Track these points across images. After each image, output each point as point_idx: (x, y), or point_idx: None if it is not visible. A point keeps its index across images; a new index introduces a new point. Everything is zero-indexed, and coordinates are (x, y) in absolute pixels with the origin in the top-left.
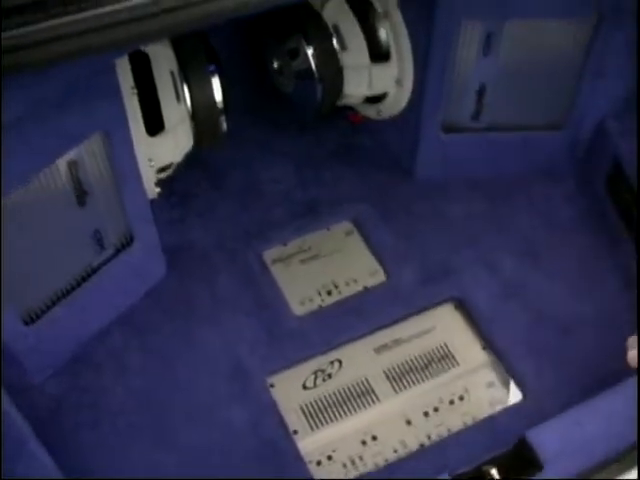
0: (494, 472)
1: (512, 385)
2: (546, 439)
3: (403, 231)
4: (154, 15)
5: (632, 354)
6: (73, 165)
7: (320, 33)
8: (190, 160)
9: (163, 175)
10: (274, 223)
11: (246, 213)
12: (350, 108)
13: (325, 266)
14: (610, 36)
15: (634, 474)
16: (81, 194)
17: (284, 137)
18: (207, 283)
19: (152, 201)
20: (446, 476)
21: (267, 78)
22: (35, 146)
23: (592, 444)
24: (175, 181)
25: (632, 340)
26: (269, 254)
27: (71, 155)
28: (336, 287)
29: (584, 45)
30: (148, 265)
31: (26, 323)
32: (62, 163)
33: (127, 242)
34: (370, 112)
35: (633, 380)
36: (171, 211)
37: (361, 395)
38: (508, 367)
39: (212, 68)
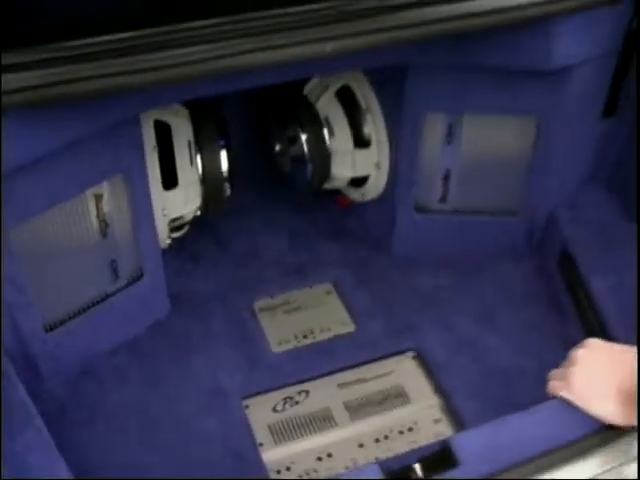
0: (417, 467)
1: (456, 422)
2: (465, 443)
3: (375, 294)
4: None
5: (552, 384)
6: (99, 198)
7: (313, 123)
8: (201, 227)
9: (176, 235)
10: (265, 280)
11: (243, 271)
12: (339, 193)
13: (304, 316)
14: (552, 133)
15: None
16: (103, 225)
17: (283, 213)
18: (202, 322)
19: (166, 256)
20: (375, 467)
21: (271, 159)
22: (69, 174)
23: (505, 452)
24: (187, 242)
25: (553, 373)
26: (258, 304)
27: (98, 189)
28: (311, 333)
29: (531, 140)
30: (154, 300)
31: (46, 330)
32: (90, 194)
33: (138, 276)
34: (355, 195)
35: (543, 406)
36: (181, 265)
37: (322, 420)
38: (454, 408)
39: (222, 143)
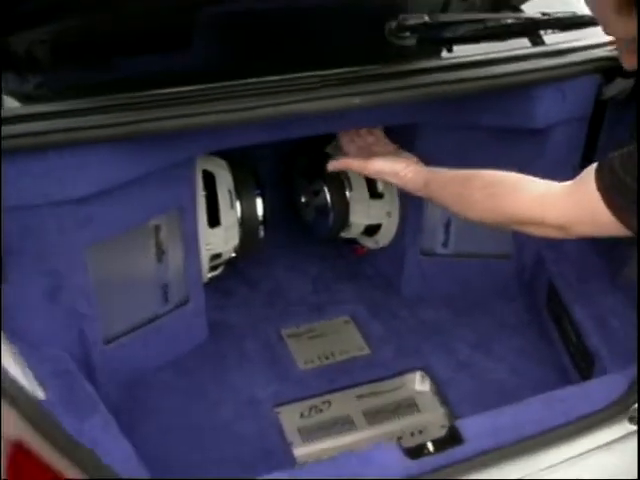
0: (429, 444)
1: None
2: (469, 425)
3: (387, 325)
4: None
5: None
6: (158, 228)
7: (335, 178)
8: (233, 270)
9: (213, 274)
10: (290, 314)
11: (271, 308)
12: (356, 243)
13: (326, 342)
14: None
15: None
16: (160, 252)
17: (306, 259)
18: (237, 346)
19: (206, 291)
20: (394, 444)
21: (295, 211)
22: (136, 206)
23: (503, 434)
24: (221, 282)
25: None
26: (285, 331)
27: (158, 220)
28: (332, 355)
29: None
30: (195, 325)
31: (105, 343)
32: (151, 225)
33: (184, 302)
34: (370, 243)
35: (535, 398)
36: (217, 302)
37: (343, 424)
38: (458, 416)
39: (257, 192)
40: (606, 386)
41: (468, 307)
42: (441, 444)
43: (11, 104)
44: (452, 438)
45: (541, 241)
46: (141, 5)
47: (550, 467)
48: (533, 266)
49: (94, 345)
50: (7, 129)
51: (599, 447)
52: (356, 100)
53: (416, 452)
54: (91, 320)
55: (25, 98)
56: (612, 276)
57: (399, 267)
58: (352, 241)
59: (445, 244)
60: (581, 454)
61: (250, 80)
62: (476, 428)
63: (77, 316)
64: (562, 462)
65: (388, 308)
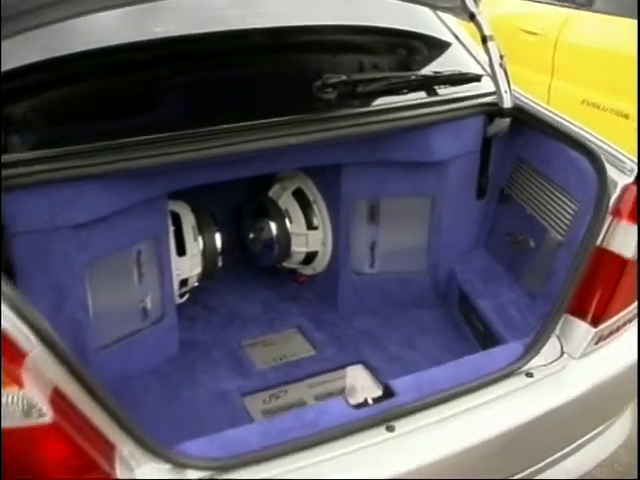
0: (369, 399)
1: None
2: (399, 383)
3: (328, 332)
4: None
5: None
6: (139, 253)
7: (278, 215)
8: (196, 302)
9: (181, 301)
10: (248, 329)
11: (230, 326)
12: (296, 273)
13: (278, 347)
14: (441, 209)
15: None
16: (140, 274)
17: (257, 288)
18: (205, 355)
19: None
20: (341, 399)
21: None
22: (124, 231)
23: (425, 388)
24: (187, 311)
25: None
26: (244, 342)
27: (139, 247)
28: (285, 356)
29: (428, 214)
30: (169, 339)
31: (98, 350)
32: (134, 250)
33: (160, 318)
34: (308, 271)
35: (451, 363)
36: (184, 325)
37: (298, 405)
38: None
39: (217, 228)
40: (507, 351)
41: (393, 315)
42: (379, 398)
43: (17, 152)
44: (386, 393)
45: (451, 258)
46: (122, 78)
47: (461, 412)
48: (447, 279)
49: (87, 350)
50: (17, 171)
51: (502, 395)
52: (292, 140)
53: (359, 405)
54: (86, 327)
55: (27, 147)
56: (512, 281)
57: (334, 287)
58: (293, 271)
59: (372, 265)
60: (489, 401)
61: (208, 128)
62: (404, 385)
63: (77, 324)
64: (471, 408)
65: (328, 320)
